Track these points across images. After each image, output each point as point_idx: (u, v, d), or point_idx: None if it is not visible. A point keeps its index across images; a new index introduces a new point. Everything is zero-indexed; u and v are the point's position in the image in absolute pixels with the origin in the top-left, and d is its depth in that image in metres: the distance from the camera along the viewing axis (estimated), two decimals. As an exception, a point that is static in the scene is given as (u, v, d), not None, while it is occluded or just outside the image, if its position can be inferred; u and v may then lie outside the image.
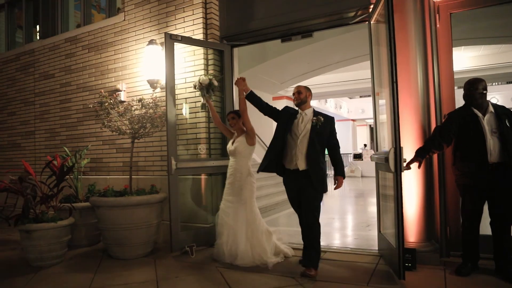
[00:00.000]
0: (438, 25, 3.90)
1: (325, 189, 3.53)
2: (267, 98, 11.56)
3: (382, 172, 3.96)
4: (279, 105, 12.67)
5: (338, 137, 3.78)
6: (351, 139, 24.31)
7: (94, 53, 6.01)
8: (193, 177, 4.76)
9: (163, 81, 4.96)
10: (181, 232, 4.39)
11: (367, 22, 4.26)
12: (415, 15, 3.86)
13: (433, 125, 3.80)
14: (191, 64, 4.90)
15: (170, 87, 4.34)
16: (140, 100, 4.47)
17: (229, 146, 4.18)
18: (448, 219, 3.79)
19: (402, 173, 3.21)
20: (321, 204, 3.64)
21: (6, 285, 3.55)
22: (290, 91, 13.56)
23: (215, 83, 4.34)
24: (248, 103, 3.93)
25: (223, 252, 3.95)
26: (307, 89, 3.77)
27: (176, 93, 4.62)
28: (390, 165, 3.22)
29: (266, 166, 3.68)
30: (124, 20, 5.65)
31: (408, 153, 3.56)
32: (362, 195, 10.62)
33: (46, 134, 6.66)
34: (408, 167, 3.48)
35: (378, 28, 4.02)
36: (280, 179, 3.87)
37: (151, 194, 4.44)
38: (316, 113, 3.65)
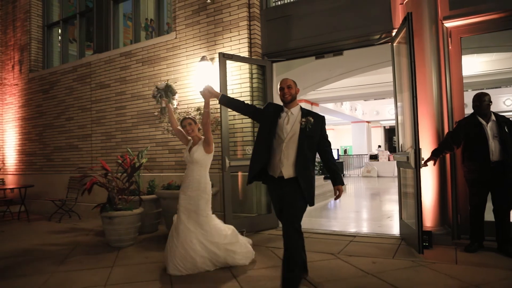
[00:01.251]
0: (450, 47, 4.68)
1: (312, 201, 3.08)
2: (289, 102, 12.38)
3: (403, 169, 4.75)
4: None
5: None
6: (365, 140, 24.93)
7: (147, 66, 6.92)
8: (241, 173, 5.61)
9: (213, 92, 5.83)
10: (232, 220, 5.24)
11: (389, 43, 5.06)
12: (431, 39, 4.64)
13: (446, 130, 4.59)
14: (238, 77, 5.76)
15: (224, 98, 5.20)
16: (198, 109, 5.34)
17: (186, 155, 3.98)
18: (459, 207, 4.57)
19: (421, 169, 4.02)
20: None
21: (102, 259, 4.44)
22: (310, 95, 14.38)
23: (173, 87, 4.42)
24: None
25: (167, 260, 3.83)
26: (295, 83, 3.24)
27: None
28: (411, 163, 4.04)
29: (252, 178, 3.22)
30: (176, 38, 6.54)
31: (425, 153, 4.34)
32: (379, 193, 11.35)
33: (102, 137, 7.60)
34: (425, 164, 4.27)
35: (399, 48, 4.81)
36: None
37: (207, 187, 5.30)
38: (304, 112, 3.14)
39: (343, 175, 16.97)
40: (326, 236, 5.14)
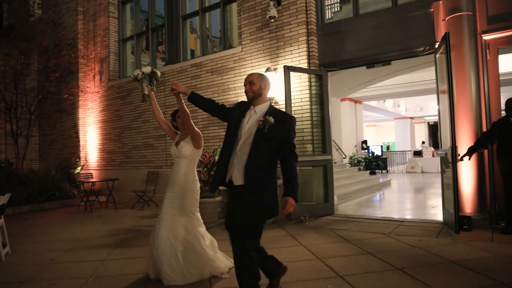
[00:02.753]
0: (488, 57, 5.40)
1: (266, 213, 2.74)
2: (335, 102, 13.19)
3: (445, 163, 5.53)
4: (343, 106, 14.21)
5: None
6: (409, 137, 25.07)
7: (216, 76, 8.03)
8: (301, 168, 6.58)
9: (277, 98, 6.85)
10: (296, 207, 6.22)
11: (433, 55, 5.82)
12: (470, 50, 5.38)
13: (484, 130, 5.32)
14: (298, 85, 6.71)
15: (288, 104, 6.19)
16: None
17: (173, 149, 3.72)
18: (496, 196, 5.30)
19: (458, 163, 4.83)
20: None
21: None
22: (354, 94, 15.03)
23: (158, 73, 3.95)
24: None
25: (151, 266, 3.64)
26: (261, 78, 2.87)
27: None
28: (448, 158, 4.86)
29: (216, 185, 2.90)
30: (242, 51, 7.60)
31: (464, 150, 5.10)
32: (423, 187, 11.90)
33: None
34: (461, 159, 5.04)
35: (442, 59, 5.57)
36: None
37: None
38: (270, 111, 2.77)
39: (387, 171, 17.47)
40: (377, 221, 6.01)
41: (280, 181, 2.99)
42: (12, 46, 10.49)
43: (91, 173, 10.62)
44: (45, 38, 11.27)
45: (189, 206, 3.66)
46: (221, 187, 6.02)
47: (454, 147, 4.80)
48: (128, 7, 11.04)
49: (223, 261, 3.81)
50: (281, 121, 2.70)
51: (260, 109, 2.79)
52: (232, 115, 2.89)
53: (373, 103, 19.54)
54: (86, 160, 11.15)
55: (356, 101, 17.18)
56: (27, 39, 11.02)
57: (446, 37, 4.88)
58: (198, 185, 3.79)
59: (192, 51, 11.89)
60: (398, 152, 22.16)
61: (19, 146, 10.60)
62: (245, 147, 2.71)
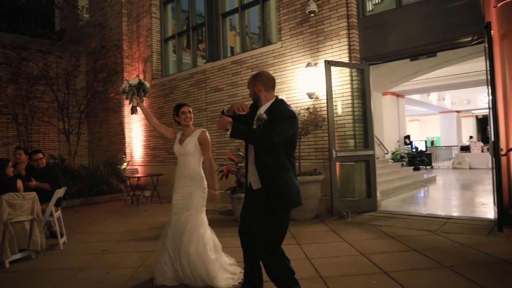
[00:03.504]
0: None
1: (276, 206, 2.63)
2: (377, 96, 12.87)
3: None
4: (385, 100, 13.83)
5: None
6: (455, 131, 23.99)
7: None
8: (343, 163, 6.51)
9: (318, 93, 6.81)
10: (338, 202, 6.18)
11: (482, 44, 5.54)
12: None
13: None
14: (339, 80, 6.63)
15: (329, 99, 6.13)
16: (308, 109, 6.34)
17: (178, 148, 3.62)
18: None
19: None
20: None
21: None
22: (396, 87, 14.59)
23: (147, 84, 3.92)
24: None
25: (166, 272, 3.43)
26: (253, 82, 2.86)
27: (330, 102, 6.42)
28: (490, 152, 4.64)
29: (246, 191, 2.97)
30: (282, 47, 7.60)
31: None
32: (471, 184, 11.36)
33: (216, 133, 8.98)
34: (505, 154, 4.79)
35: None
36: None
37: (316, 175, 6.30)
38: (270, 108, 2.73)
39: (431, 167, 16.84)
40: (422, 218, 5.83)
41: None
42: (64, 49, 11.09)
43: (137, 169, 11.05)
44: (92, 41, 11.82)
45: (196, 204, 3.54)
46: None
47: (496, 142, 4.57)
48: (169, 7, 11.33)
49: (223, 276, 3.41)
50: (271, 113, 2.66)
51: (263, 109, 2.75)
52: (248, 120, 2.81)
53: (416, 96, 18.88)
54: (132, 156, 11.61)
55: (398, 95, 16.68)
56: (77, 42, 11.61)
57: (487, 27, 4.65)
58: (205, 182, 3.65)
59: (232, 48, 12.03)
60: (443, 147, 21.28)
61: (71, 143, 11.21)
62: (252, 149, 2.75)
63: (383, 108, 14.22)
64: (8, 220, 4.24)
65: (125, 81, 3.85)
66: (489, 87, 4.65)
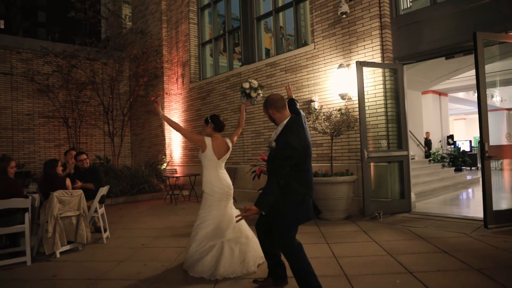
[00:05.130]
0: None
1: (275, 217, 2.96)
2: (416, 95, 12.56)
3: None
4: (425, 99, 13.41)
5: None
6: (505, 130, 22.72)
7: (290, 74, 8.21)
8: (376, 164, 6.48)
9: (350, 94, 6.82)
10: (370, 203, 6.16)
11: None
12: None
13: None
14: (372, 80, 6.60)
15: (361, 100, 6.14)
16: (340, 110, 6.38)
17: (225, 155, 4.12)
18: None
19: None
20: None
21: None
22: (438, 85, 14.12)
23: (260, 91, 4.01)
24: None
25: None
26: (265, 107, 3.10)
27: (362, 103, 6.41)
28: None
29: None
30: (314, 48, 7.67)
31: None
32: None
33: (252, 134, 9.19)
34: None
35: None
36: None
37: (348, 175, 6.32)
38: (282, 130, 3.00)
39: (476, 168, 16.11)
40: (458, 220, 5.69)
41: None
42: (109, 56, 11.77)
43: (176, 169, 11.50)
44: (134, 47, 12.44)
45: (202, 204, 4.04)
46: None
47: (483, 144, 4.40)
48: (207, 13, 11.70)
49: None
50: (277, 146, 2.93)
51: (279, 129, 3.04)
52: None
53: (460, 94, 18.15)
54: (171, 157, 12.08)
55: (440, 93, 16.14)
56: (120, 49, 12.27)
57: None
58: (212, 188, 3.97)
59: (268, 50, 12.19)
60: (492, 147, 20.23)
61: (115, 145, 11.86)
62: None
63: (423, 107, 13.81)
64: (58, 215, 4.65)
65: (246, 83, 3.97)
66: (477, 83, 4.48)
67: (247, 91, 3.95)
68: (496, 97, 22.17)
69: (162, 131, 12.20)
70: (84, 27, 35.92)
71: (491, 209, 5.07)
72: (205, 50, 11.65)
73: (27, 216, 4.43)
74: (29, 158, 11.80)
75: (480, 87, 5.18)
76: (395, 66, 6.50)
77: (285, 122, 3.00)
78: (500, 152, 5.57)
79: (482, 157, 5.01)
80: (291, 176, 2.87)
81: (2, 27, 46.58)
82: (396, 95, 6.54)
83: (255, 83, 3.96)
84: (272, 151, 2.99)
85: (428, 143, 14.46)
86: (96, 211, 5.37)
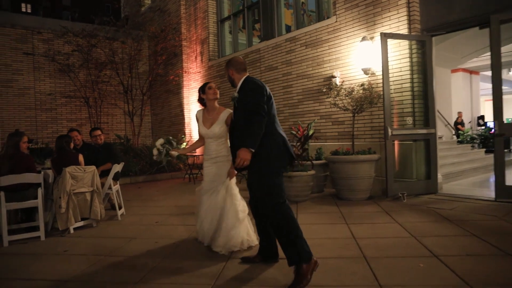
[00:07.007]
0: None
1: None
2: (445, 72, 11.92)
3: None
4: (455, 78, 12.70)
5: None
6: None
7: (310, 49, 7.85)
8: (401, 142, 6.14)
9: (373, 69, 6.45)
10: (394, 183, 5.86)
11: None
12: None
13: None
14: (397, 54, 6.20)
15: (385, 74, 5.77)
16: (362, 85, 6.04)
17: (207, 131, 3.72)
18: None
19: None
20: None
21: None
22: (468, 63, 13.37)
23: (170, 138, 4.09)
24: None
25: (204, 235, 3.77)
26: (227, 66, 3.23)
27: (386, 78, 6.04)
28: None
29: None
30: (336, 21, 7.27)
31: None
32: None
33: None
34: None
35: None
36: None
37: (370, 154, 6.02)
38: (240, 87, 3.11)
39: (509, 150, 15.32)
40: (488, 203, 5.33)
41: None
42: (127, 35, 11.66)
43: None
44: (153, 25, 12.28)
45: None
46: (314, 161, 5.99)
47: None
48: (225, -12, 11.37)
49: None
50: (241, 89, 3.07)
51: (237, 89, 3.14)
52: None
53: (493, 73, 17.15)
54: (191, 136, 12.00)
55: (471, 71, 15.31)
56: (139, 27, 12.13)
57: None
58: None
59: (288, 27, 11.78)
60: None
61: (135, 124, 11.86)
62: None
63: (453, 86, 13.13)
64: (71, 191, 4.59)
65: (154, 148, 4.02)
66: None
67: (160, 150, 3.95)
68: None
69: (182, 111, 12.11)
70: (106, 9, 36.10)
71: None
72: (224, 27, 11.36)
73: (40, 191, 4.39)
74: (52, 138, 11.92)
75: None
76: (423, 37, 6.07)
77: (242, 79, 3.12)
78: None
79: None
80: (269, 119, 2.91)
81: (29, 11, 47.36)
82: (423, 70, 6.13)
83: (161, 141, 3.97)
84: (238, 102, 3.03)
85: (460, 124, 13.79)
86: (110, 187, 5.30)
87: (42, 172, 4.55)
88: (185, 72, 11.95)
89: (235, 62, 3.19)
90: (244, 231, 3.67)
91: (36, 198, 4.37)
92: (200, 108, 3.97)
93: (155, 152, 4.01)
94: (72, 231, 4.55)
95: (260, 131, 2.80)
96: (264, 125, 2.83)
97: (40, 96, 11.94)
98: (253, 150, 2.78)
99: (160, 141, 4.00)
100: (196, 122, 3.91)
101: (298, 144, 6.49)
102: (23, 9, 45.58)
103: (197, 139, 4.19)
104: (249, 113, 2.83)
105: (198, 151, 11.31)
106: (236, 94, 3.05)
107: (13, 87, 11.52)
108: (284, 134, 3.04)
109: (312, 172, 6.17)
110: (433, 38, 6.20)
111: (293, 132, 6.76)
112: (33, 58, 11.75)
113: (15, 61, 11.56)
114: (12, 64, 11.51)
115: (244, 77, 3.13)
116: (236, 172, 3.59)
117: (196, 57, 11.83)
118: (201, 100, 3.82)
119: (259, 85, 2.96)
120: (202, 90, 3.77)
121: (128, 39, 11.66)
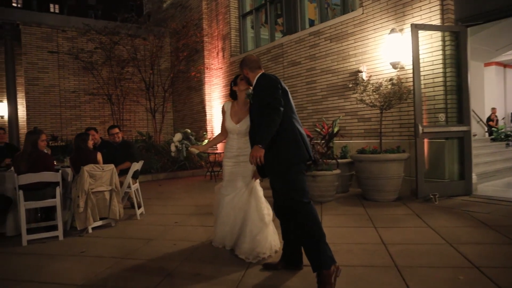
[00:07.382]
0: None
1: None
2: (477, 66, 11.32)
3: None
4: (488, 72, 12.07)
5: None
6: None
7: (335, 43, 7.55)
8: (432, 140, 5.79)
9: (403, 62, 6.11)
10: (424, 183, 5.53)
11: None
12: None
13: None
14: (428, 46, 5.84)
15: (416, 68, 5.44)
16: (390, 79, 5.72)
17: (234, 126, 3.51)
18: None
19: None
20: None
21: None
22: (503, 56, 12.71)
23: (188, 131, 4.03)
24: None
25: (226, 239, 3.59)
26: (241, 66, 3.20)
27: (417, 72, 5.69)
28: None
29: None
30: (363, 13, 6.94)
31: None
32: None
33: (296, 109, 8.66)
34: None
35: None
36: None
37: (399, 153, 5.70)
38: (255, 85, 3.07)
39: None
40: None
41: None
42: (149, 31, 11.63)
43: (216, 146, 11.29)
44: (174, 21, 12.20)
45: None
46: (340, 160, 5.71)
47: None
48: (247, -18, 11.14)
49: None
50: (255, 85, 3.04)
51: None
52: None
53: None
54: (212, 133, 11.89)
55: (506, 65, 14.59)
56: (160, 24, 12.08)
57: None
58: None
59: (312, 21, 11.45)
60: None
61: (156, 121, 11.84)
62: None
63: (486, 81, 12.49)
64: (90, 190, 4.51)
65: (172, 144, 3.95)
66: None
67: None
68: None
69: (203, 107, 12.00)
70: (130, 7, 36.51)
71: None
72: (246, 22, 11.15)
73: (58, 190, 4.32)
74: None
75: None
76: (457, 28, 5.68)
77: (257, 76, 3.05)
78: None
79: None
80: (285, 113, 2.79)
81: (57, 11, 48.49)
82: (457, 63, 5.74)
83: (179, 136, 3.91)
84: (254, 98, 3.03)
85: (492, 121, 13.15)
86: (129, 186, 5.21)
87: (60, 171, 4.48)
88: (207, 68, 11.83)
89: (248, 61, 3.15)
90: (270, 235, 3.43)
91: (54, 197, 4.30)
92: (227, 101, 3.71)
93: (172, 148, 3.95)
94: (90, 230, 4.47)
95: (273, 126, 2.70)
96: (279, 119, 2.71)
97: (65, 93, 12.08)
98: (262, 147, 2.68)
99: (178, 136, 3.91)
100: (222, 114, 3.68)
101: (323, 142, 6.23)
102: (51, 10, 46.70)
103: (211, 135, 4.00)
104: (264, 108, 2.75)
105: (220, 148, 11.20)
106: (250, 90, 3.08)
107: (38, 85, 11.70)
108: (302, 131, 2.93)
109: (337, 171, 5.90)
110: (468, 29, 5.80)
111: (317, 129, 6.50)
112: (57, 56, 11.89)
113: (41, 59, 11.73)
114: (38, 63, 11.69)
115: (259, 74, 3.07)
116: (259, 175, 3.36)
117: (217, 53, 11.68)
118: (232, 94, 3.60)
119: (273, 79, 2.91)
120: (234, 82, 3.56)
121: (150, 36, 11.63)
